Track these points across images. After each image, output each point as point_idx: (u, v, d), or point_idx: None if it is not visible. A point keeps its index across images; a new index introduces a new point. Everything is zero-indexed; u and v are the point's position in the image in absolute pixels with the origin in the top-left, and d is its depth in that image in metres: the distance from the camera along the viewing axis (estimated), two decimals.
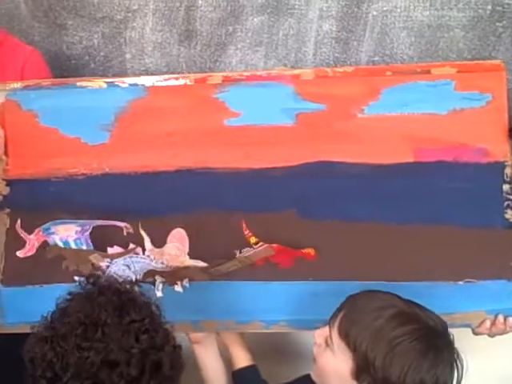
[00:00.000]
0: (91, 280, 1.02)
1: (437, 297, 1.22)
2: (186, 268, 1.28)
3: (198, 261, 1.27)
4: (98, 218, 1.28)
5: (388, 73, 1.24)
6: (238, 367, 1.28)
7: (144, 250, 1.28)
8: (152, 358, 0.92)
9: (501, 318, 1.20)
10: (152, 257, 1.28)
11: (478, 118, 1.23)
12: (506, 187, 1.22)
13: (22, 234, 1.28)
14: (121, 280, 1.03)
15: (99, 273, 1.06)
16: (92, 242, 1.29)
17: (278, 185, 1.26)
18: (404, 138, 1.24)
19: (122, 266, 1.28)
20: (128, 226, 1.27)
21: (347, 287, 1.22)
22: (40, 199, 1.30)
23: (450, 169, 1.23)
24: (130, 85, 1.27)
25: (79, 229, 1.28)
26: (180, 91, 1.26)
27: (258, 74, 1.27)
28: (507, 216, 1.21)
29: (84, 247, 1.29)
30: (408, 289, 1.21)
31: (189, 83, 1.26)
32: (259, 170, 1.26)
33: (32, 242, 1.29)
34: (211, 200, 1.28)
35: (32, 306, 1.27)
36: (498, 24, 1.38)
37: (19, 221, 1.28)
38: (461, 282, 1.23)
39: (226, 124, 1.26)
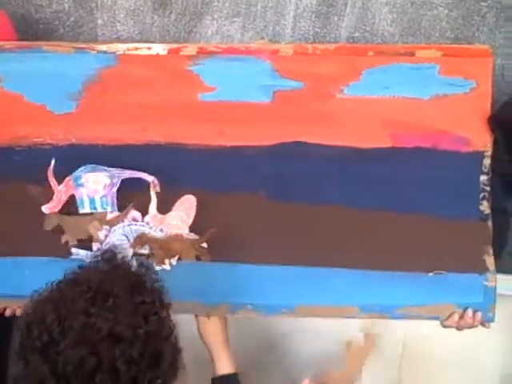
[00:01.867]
0: (106, 255, 0.99)
1: (406, 287, 1.23)
2: (181, 242, 1.26)
3: (192, 234, 1.26)
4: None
5: (370, 53, 1.21)
6: (219, 373, 1.22)
7: (144, 215, 1.26)
8: (155, 346, 0.89)
9: (470, 311, 1.21)
10: (152, 224, 1.26)
11: (461, 105, 1.21)
12: (483, 178, 1.21)
13: (52, 181, 1.25)
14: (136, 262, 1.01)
15: (116, 251, 1.02)
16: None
17: (250, 164, 1.24)
18: (383, 121, 1.22)
19: (121, 236, 1.27)
20: (155, 181, 1.24)
21: (315, 273, 1.23)
22: (3, 168, 1.27)
23: (427, 156, 1.22)
24: (100, 52, 1.22)
25: (108, 182, 1.24)
26: (152, 61, 1.22)
27: (236, 47, 1.23)
28: (482, 208, 1.21)
29: (109, 208, 1.26)
30: (377, 278, 1.23)
31: (162, 53, 1.22)
32: (232, 147, 1.24)
33: (59, 196, 1.25)
34: (181, 177, 1.25)
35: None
36: (482, 4, 1.35)
37: (53, 162, 1.24)
38: (431, 274, 1.23)
39: (200, 99, 1.22)
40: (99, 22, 1.39)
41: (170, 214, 1.26)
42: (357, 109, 1.22)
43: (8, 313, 1.29)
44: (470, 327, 1.22)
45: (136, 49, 1.22)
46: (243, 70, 1.21)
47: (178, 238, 1.26)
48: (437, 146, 1.22)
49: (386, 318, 1.26)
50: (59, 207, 1.27)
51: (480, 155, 1.21)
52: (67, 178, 1.25)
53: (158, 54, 1.22)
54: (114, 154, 1.25)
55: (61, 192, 1.26)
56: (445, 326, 1.24)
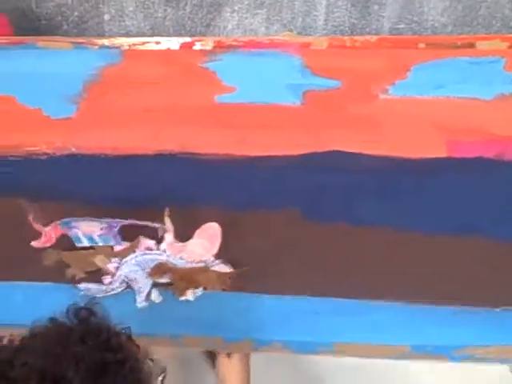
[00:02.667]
0: (82, 315, 0.84)
1: (468, 325, 1.10)
2: (205, 274, 1.15)
3: (223, 265, 1.15)
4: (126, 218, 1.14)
5: (421, 45, 1.02)
6: None
7: (158, 243, 1.15)
8: None
9: None
10: (169, 252, 1.15)
11: None
12: None
13: (36, 226, 1.15)
14: (118, 329, 0.84)
15: (95, 308, 0.87)
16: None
17: (277, 177, 1.09)
18: (436, 127, 1.04)
19: (134, 267, 1.16)
20: (169, 226, 1.14)
21: (357, 306, 1.07)
22: None
23: (490, 167, 1.04)
24: (102, 47, 1.07)
25: (105, 225, 1.15)
26: (162, 58, 1.06)
27: (259, 40, 1.06)
28: None
29: (112, 243, 1.16)
30: (432, 313, 1.08)
31: (173, 48, 1.06)
32: (255, 158, 1.08)
33: (48, 234, 1.16)
34: (197, 193, 1.11)
35: None
36: None
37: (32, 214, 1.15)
38: (498, 309, 1.08)
39: (217, 101, 1.07)
40: (106, 16, 1.26)
41: (191, 241, 1.14)
42: (404, 112, 1.05)
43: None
44: None
45: (143, 43, 1.06)
46: (268, 66, 1.05)
47: (201, 269, 1.15)
48: (502, 156, 1.04)
49: (442, 361, 1.10)
50: (53, 242, 1.17)
51: None
52: (53, 223, 1.15)
53: (168, 49, 1.06)
54: (119, 165, 1.12)
55: (49, 232, 1.16)
56: None
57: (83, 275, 1.19)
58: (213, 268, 1.15)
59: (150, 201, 1.12)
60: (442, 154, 1.04)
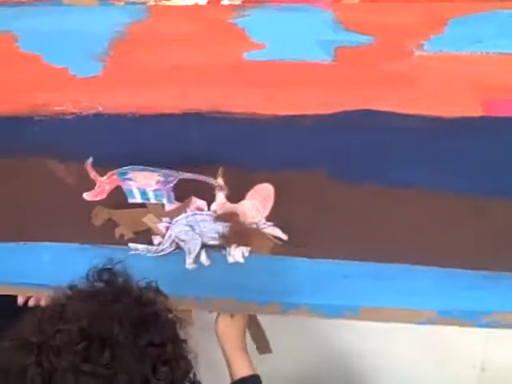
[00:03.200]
0: (105, 277, 0.85)
1: (495, 291, 1.08)
2: (257, 234, 1.15)
3: (277, 229, 1.13)
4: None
5: None
6: (240, 376, 1.17)
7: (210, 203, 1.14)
8: None
9: None
10: (219, 212, 1.14)
11: None
12: None
13: (92, 173, 1.14)
14: (144, 283, 0.86)
15: (118, 268, 0.88)
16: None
17: (307, 137, 1.07)
18: (473, 84, 1.01)
19: (185, 227, 1.16)
20: (222, 184, 1.12)
21: (385, 269, 1.07)
22: (21, 141, 1.15)
23: None
24: (128, 3, 1.05)
25: (162, 179, 1.13)
26: (189, 13, 1.04)
27: None
28: None
29: (164, 200, 1.16)
30: (459, 278, 1.08)
31: (201, 3, 1.03)
32: (285, 117, 1.06)
33: (102, 185, 1.15)
34: (225, 151, 1.11)
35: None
36: None
37: (91, 158, 1.13)
38: None
39: (246, 58, 1.04)
40: None
41: (243, 202, 1.13)
42: (440, 69, 1.01)
43: (30, 303, 1.24)
44: None
45: None
46: (298, 22, 1.02)
47: (254, 230, 1.14)
48: None
49: (469, 326, 1.10)
50: (104, 196, 1.16)
51: None
52: (110, 173, 1.13)
53: (196, 5, 1.04)
54: (146, 124, 1.11)
55: (104, 183, 1.14)
56: None
57: (132, 236, 1.19)
58: (264, 230, 1.15)
59: (176, 161, 1.11)
60: (478, 112, 1.01)
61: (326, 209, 1.10)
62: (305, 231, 1.12)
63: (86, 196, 1.15)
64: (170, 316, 0.84)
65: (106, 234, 1.19)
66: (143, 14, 1.05)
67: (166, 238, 1.17)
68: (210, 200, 1.14)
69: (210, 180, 1.10)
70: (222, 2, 1.02)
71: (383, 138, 1.04)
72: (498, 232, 1.05)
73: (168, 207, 1.16)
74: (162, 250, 1.18)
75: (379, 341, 1.55)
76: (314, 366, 1.63)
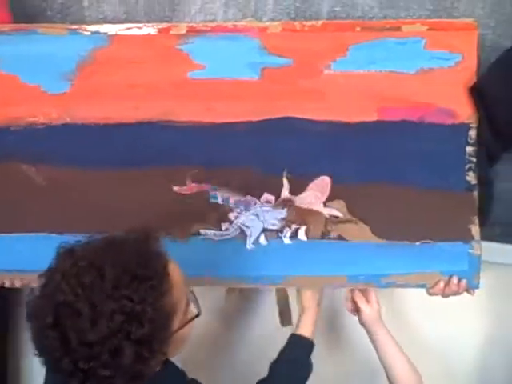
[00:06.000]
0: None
1: (393, 257, 1.32)
2: (314, 215, 1.35)
3: (334, 209, 1.35)
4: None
5: (357, 28, 1.30)
6: (300, 332, 1.37)
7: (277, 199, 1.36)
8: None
9: (455, 279, 1.30)
10: (284, 204, 1.35)
11: (447, 79, 1.29)
12: (469, 149, 1.29)
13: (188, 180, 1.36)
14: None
15: None
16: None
17: (241, 140, 1.34)
18: (369, 96, 1.31)
19: (251, 216, 1.36)
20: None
21: (304, 245, 1.34)
22: None
23: (414, 129, 1.30)
24: (93, 33, 1.33)
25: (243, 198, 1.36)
26: (143, 41, 1.32)
27: (224, 25, 1.33)
28: (468, 178, 1.30)
29: (242, 207, 1.36)
30: (365, 248, 1.32)
31: (152, 33, 1.32)
32: (222, 124, 1.33)
33: (191, 187, 1.36)
34: (172, 154, 1.35)
35: None
36: None
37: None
38: (418, 243, 1.32)
39: (190, 77, 1.32)
40: (85, 3, 1.47)
41: (304, 193, 1.35)
42: (344, 84, 1.31)
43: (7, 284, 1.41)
44: (454, 294, 1.31)
45: (127, 29, 1.32)
46: (232, 47, 1.31)
47: (312, 212, 1.36)
48: (423, 119, 1.30)
49: (373, 287, 1.37)
50: (189, 192, 1.37)
51: (466, 127, 1.29)
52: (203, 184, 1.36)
53: (148, 34, 1.32)
54: (106, 132, 1.35)
55: (192, 186, 1.36)
56: (430, 294, 1.33)
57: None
58: (323, 211, 1.34)
59: (131, 162, 1.35)
60: (374, 117, 1.31)
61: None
62: None
63: (176, 189, 1.35)
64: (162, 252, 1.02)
65: (70, 224, 1.37)
66: (105, 41, 1.32)
67: (233, 224, 1.35)
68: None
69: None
70: (171, 32, 1.31)
71: (301, 139, 1.32)
72: (390, 211, 1.32)
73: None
74: (228, 234, 1.36)
75: None
76: None
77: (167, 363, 1.09)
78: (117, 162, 1.36)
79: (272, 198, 1.35)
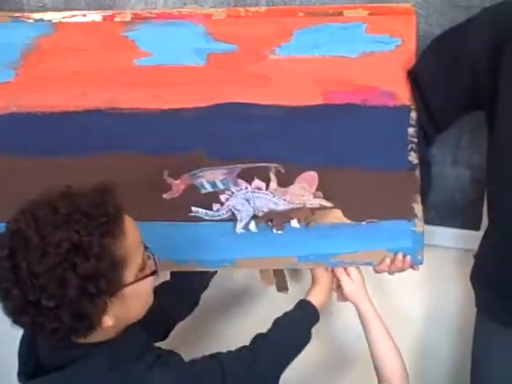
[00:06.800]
0: None
1: (340, 236, 1.38)
2: (301, 210, 1.40)
3: (323, 200, 1.39)
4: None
5: (300, 14, 1.33)
6: (309, 299, 1.39)
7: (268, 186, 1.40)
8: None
9: (400, 255, 1.36)
10: (275, 193, 1.39)
11: (387, 62, 1.33)
12: (410, 130, 1.34)
13: (169, 180, 1.39)
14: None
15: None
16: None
17: (188, 125, 1.36)
18: (314, 80, 1.35)
19: (242, 200, 1.39)
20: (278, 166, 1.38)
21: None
22: None
23: (357, 111, 1.34)
24: (36, 20, 1.33)
25: (226, 171, 1.38)
26: (88, 29, 1.34)
27: (169, 12, 1.35)
28: (411, 158, 1.35)
29: (231, 186, 1.39)
30: (313, 229, 1.37)
31: (97, 20, 1.34)
32: (169, 110, 1.36)
33: (177, 186, 1.39)
34: (120, 140, 1.38)
35: None
36: None
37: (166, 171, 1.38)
38: (364, 223, 1.38)
39: (136, 64, 1.34)
40: None
41: (292, 185, 1.39)
42: (288, 68, 1.34)
43: None
44: (400, 271, 1.37)
45: (71, 16, 1.34)
46: (177, 34, 1.33)
47: (299, 207, 1.40)
48: (366, 102, 1.34)
49: (323, 266, 1.43)
50: (179, 193, 1.40)
51: (407, 109, 1.34)
52: (183, 176, 1.39)
53: (93, 21, 1.34)
54: (54, 120, 1.37)
55: (178, 184, 1.39)
56: (377, 271, 1.38)
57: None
58: (311, 203, 1.38)
59: (81, 149, 1.38)
60: (319, 101, 1.35)
61: None
62: None
63: (166, 197, 1.39)
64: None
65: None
66: (50, 29, 1.33)
67: (224, 206, 1.40)
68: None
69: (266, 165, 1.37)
70: (116, 19, 1.33)
71: (247, 123, 1.36)
72: (335, 192, 1.37)
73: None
74: (218, 216, 1.40)
75: None
76: None
77: (129, 330, 1.12)
78: (65, 150, 1.38)
79: (263, 184, 1.39)
